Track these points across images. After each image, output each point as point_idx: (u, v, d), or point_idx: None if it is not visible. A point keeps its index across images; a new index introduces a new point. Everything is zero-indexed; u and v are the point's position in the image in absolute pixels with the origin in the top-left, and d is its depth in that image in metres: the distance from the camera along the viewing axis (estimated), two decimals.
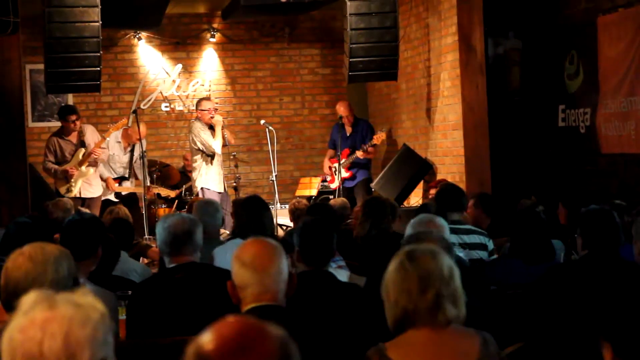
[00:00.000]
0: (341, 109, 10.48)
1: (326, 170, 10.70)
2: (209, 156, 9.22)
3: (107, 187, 9.53)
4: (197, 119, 9.44)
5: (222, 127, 9.34)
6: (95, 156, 9.03)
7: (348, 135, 10.49)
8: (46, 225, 4.96)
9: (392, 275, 2.68)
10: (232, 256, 3.04)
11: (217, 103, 10.78)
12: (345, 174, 10.34)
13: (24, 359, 1.61)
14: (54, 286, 2.85)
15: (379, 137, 10.23)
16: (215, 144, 9.16)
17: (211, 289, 3.84)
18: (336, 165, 10.21)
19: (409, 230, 4.27)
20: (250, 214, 5.21)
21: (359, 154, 10.19)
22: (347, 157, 10.33)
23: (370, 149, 10.24)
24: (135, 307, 4.01)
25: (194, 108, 11.20)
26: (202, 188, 9.20)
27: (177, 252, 4.05)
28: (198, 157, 9.30)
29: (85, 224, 4.26)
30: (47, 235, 4.63)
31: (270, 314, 2.82)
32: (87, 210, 7.44)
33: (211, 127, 9.31)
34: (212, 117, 9.24)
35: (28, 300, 1.67)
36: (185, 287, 3.94)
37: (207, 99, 10.14)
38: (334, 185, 10.41)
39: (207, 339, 1.55)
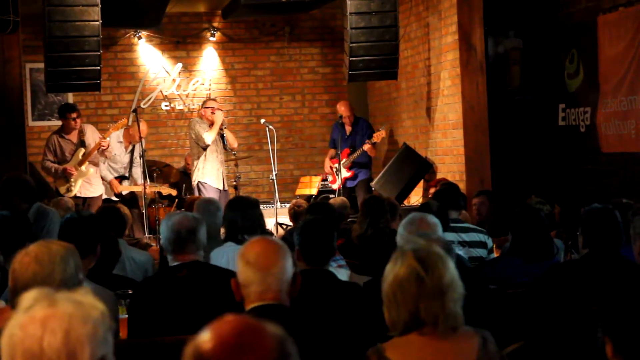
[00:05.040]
0: (342, 109, 10.48)
1: (327, 169, 10.69)
2: (204, 149, 9.22)
3: (112, 189, 9.53)
4: (200, 117, 9.50)
5: (224, 127, 9.37)
6: (103, 146, 8.98)
7: (348, 134, 10.49)
8: (25, 219, 4.93)
9: (403, 282, 2.63)
10: (238, 254, 3.05)
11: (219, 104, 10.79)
12: (346, 173, 10.34)
13: (24, 356, 1.61)
14: (63, 285, 2.86)
15: (379, 135, 10.21)
16: (207, 135, 9.15)
17: (214, 288, 3.83)
18: (337, 165, 10.22)
19: (400, 230, 4.26)
20: (237, 215, 5.21)
21: (366, 147, 10.17)
22: (348, 156, 10.32)
23: (370, 146, 10.21)
24: (137, 305, 4.01)
25: (196, 107, 11.27)
26: (198, 182, 9.21)
27: (181, 251, 4.05)
28: (195, 151, 9.33)
29: (84, 221, 4.25)
30: (26, 229, 4.61)
31: (272, 313, 2.82)
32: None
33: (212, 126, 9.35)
34: (213, 113, 9.27)
35: (29, 297, 1.67)
36: (187, 286, 3.94)
37: (213, 99, 10.28)
38: (336, 185, 10.41)
39: (205, 338, 1.55)
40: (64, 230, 4.22)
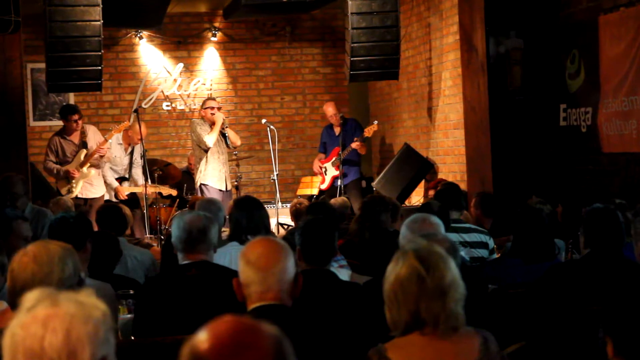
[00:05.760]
0: (328, 109, 10.52)
1: (316, 170, 10.67)
2: (205, 151, 9.21)
3: (117, 196, 9.44)
4: (201, 118, 9.48)
5: (225, 126, 9.35)
6: (102, 153, 8.97)
7: (337, 134, 10.48)
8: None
9: (404, 281, 2.63)
10: (240, 254, 3.05)
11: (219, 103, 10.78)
12: (335, 172, 10.31)
13: (25, 355, 1.61)
14: (61, 285, 2.86)
15: (371, 129, 10.17)
16: (208, 138, 9.13)
17: (222, 288, 3.82)
18: (326, 165, 10.24)
19: (403, 230, 4.26)
20: (243, 215, 5.21)
21: (355, 145, 10.14)
22: (338, 155, 10.29)
23: (359, 143, 10.16)
24: (144, 302, 4.00)
25: (197, 107, 11.26)
26: (201, 184, 9.19)
27: (191, 250, 4.04)
28: (198, 153, 9.33)
29: (71, 220, 4.28)
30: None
31: (273, 314, 2.82)
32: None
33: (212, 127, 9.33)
34: (213, 114, 9.25)
35: (31, 297, 1.67)
36: (196, 285, 3.93)
37: (213, 98, 10.21)
38: (324, 185, 10.42)
39: (201, 338, 1.55)
40: (52, 230, 4.25)
